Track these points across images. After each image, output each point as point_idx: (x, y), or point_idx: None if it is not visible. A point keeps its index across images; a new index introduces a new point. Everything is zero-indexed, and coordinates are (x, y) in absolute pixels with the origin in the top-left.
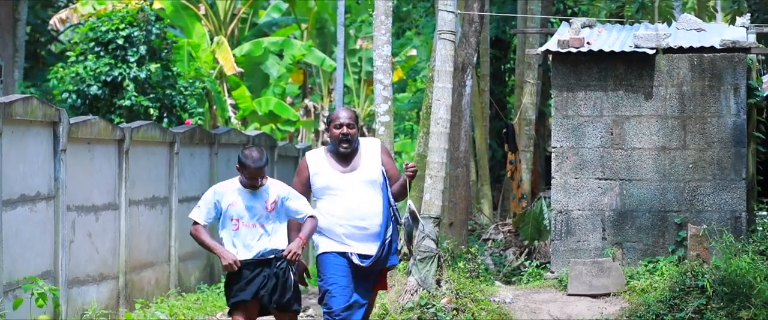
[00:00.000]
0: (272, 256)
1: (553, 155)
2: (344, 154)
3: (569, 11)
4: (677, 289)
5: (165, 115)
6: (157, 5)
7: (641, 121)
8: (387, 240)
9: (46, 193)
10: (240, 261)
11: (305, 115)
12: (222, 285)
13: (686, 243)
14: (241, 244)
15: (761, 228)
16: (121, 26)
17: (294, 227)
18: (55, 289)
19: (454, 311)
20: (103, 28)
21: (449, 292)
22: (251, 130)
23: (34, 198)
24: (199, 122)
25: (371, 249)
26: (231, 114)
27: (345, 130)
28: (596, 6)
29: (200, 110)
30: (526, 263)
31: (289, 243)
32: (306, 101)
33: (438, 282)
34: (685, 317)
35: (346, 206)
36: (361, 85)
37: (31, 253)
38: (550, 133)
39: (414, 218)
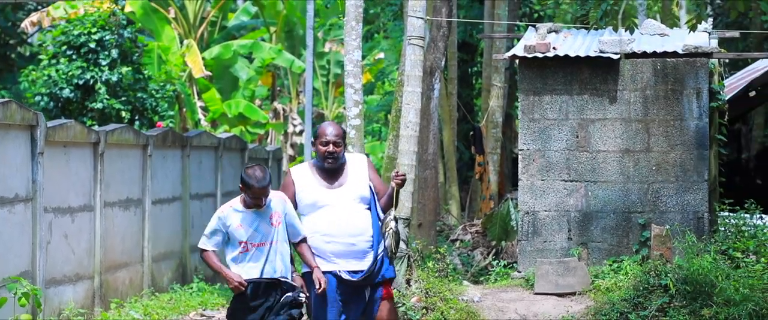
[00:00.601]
0: (282, 280)
1: (519, 157)
2: (330, 169)
3: (535, 15)
4: (641, 288)
5: (136, 117)
6: (127, 8)
7: (606, 124)
8: (379, 256)
9: (24, 195)
10: (249, 280)
11: (274, 117)
12: (194, 285)
13: (650, 243)
14: (252, 265)
15: (723, 229)
16: (93, 30)
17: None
18: (36, 289)
19: (424, 310)
20: (76, 32)
21: (419, 291)
22: (222, 133)
23: (12, 200)
24: (170, 125)
25: (359, 265)
26: (201, 116)
27: (331, 148)
28: (562, 10)
29: (171, 113)
30: (494, 263)
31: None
32: (275, 104)
33: (408, 281)
34: (648, 315)
35: (333, 222)
36: (329, 87)
37: (10, 254)
38: (516, 136)
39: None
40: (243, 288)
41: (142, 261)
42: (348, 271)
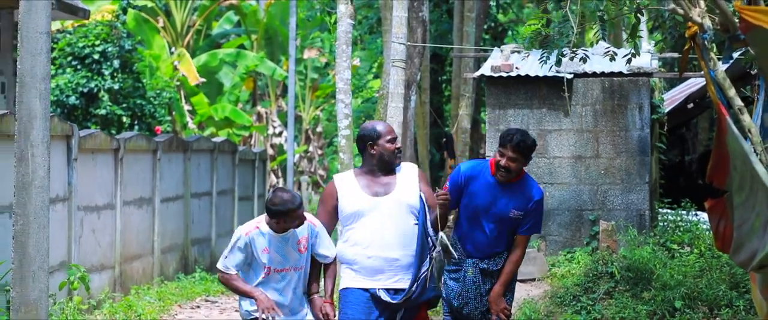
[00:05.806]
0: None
1: None
2: (388, 170)
3: (500, 29)
4: (591, 275)
5: (136, 122)
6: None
7: (561, 134)
8: (421, 277)
9: (63, 196)
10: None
11: (257, 120)
12: (197, 275)
13: (598, 236)
14: (271, 289)
15: (662, 224)
16: (97, 43)
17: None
18: (86, 275)
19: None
20: (80, 45)
21: None
22: (217, 137)
23: (54, 200)
24: (168, 129)
25: (402, 282)
26: (188, 119)
27: (399, 143)
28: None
29: (168, 118)
30: None
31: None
32: (258, 107)
33: None
34: (597, 298)
35: (376, 233)
36: (306, 91)
37: (53, 246)
38: (483, 138)
39: (446, 251)
40: (272, 316)
41: (153, 253)
42: (386, 290)
